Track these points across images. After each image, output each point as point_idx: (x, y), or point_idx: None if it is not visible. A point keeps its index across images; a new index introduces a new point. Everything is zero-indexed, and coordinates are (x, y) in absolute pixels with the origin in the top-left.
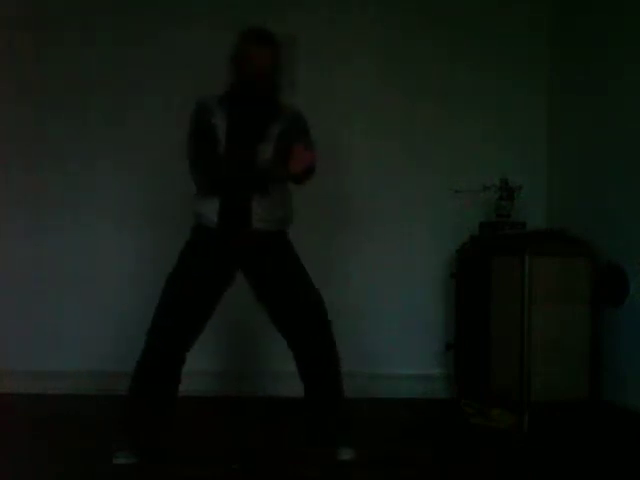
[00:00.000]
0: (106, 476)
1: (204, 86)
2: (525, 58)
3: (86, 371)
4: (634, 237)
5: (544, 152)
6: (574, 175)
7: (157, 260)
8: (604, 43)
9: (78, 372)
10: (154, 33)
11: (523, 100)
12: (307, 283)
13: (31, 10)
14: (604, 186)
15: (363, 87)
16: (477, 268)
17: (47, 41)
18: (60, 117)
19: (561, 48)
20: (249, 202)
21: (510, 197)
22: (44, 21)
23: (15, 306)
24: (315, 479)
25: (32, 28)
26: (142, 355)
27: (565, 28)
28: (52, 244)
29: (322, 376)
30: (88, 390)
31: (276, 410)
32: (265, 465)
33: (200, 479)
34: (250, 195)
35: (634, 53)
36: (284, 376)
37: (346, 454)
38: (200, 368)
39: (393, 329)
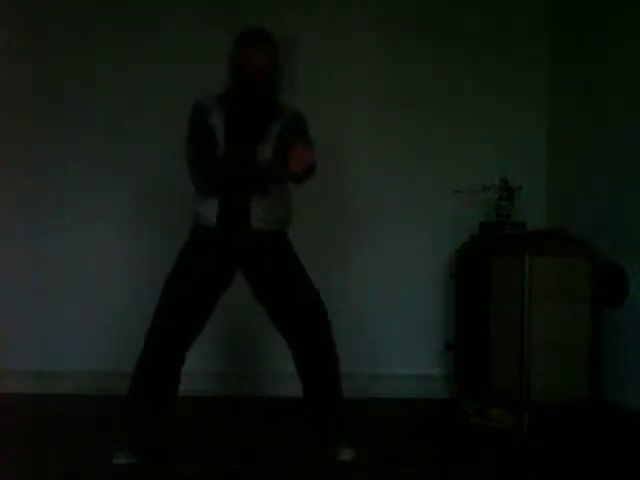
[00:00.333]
0: (106, 476)
1: (204, 86)
2: (525, 58)
3: (86, 371)
4: (634, 237)
5: (544, 152)
6: (574, 175)
7: (157, 260)
8: (604, 43)
9: (78, 372)
10: (154, 33)
11: (523, 100)
12: (307, 283)
13: (31, 10)
14: (604, 186)
15: (363, 87)
16: (477, 268)
17: (47, 41)
18: (60, 117)
19: (561, 48)
20: (248, 202)
21: (510, 197)
22: (44, 21)
23: (15, 306)
24: (315, 479)
25: (32, 28)
26: (142, 355)
27: (565, 28)
28: (52, 244)
29: (321, 376)
30: (88, 390)
31: (276, 410)
32: (265, 465)
33: (200, 479)
34: (250, 195)
35: (634, 53)
36: (284, 376)
37: (346, 454)
38: (200, 368)
39: (393, 329)
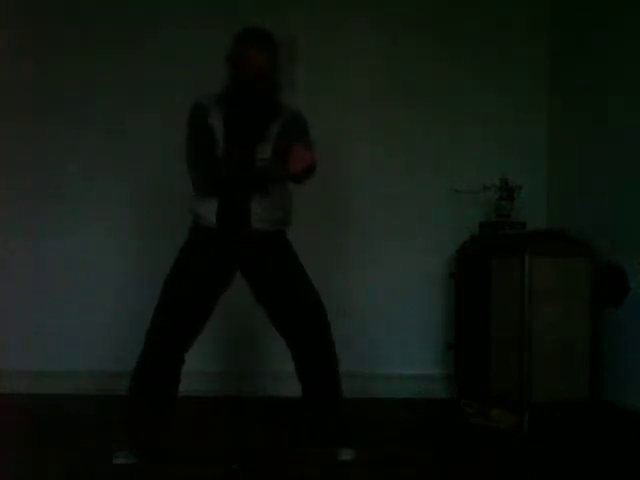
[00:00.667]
0: (106, 476)
1: (204, 86)
2: (525, 58)
3: (86, 371)
4: (634, 237)
5: (544, 152)
6: (574, 175)
7: (157, 260)
8: (604, 43)
9: (78, 372)
10: (154, 33)
11: (523, 100)
12: (306, 283)
13: (31, 10)
14: (604, 186)
15: (363, 87)
16: (477, 268)
17: (47, 41)
18: (60, 117)
19: (561, 48)
20: (248, 202)
21: (510, 197)
22: (44, 21)
23: (15, 306)
24: (315, 479)
25: (32, 28)
26: (142, 355)
27: (565, 28)
28: (52, 244)
29: (321, 376)
30: (88, 390)
31: (276, 410)
32: (265, 465)
33: (200, 479)
34: (249, 195)
35: (634, 53)
36: (284, 376)
37: (346, 454)
38: (200, 368)
39: (393, 329)
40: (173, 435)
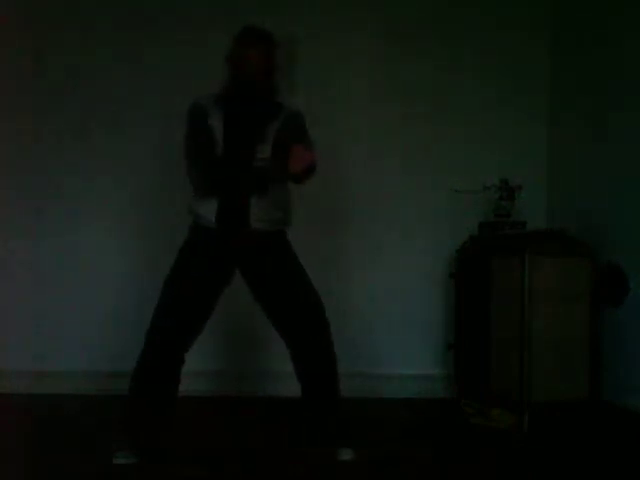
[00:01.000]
0: (106, 476)
1: (204, 86)
2: (525, 58)
3: (86, 371)
4: (634, 237)
5: (544, 152)
6: (574, 175)
7: (157, 260)
8: (604, 43)
9: (78, 372)
10: (154, 33)
11: (523, 100)
12: (306, 283)
13: (31, 10)
14: (604, 186)
15: (363, 87)
16: (477, 268)
17: (47, 41)
18: (60, 117)
19: (561, 48)
20: (248, 202)
21: (510, 197)
22: (44, 21)
23: (15, 306)
24: (315, 479)
25: (32, 28)
26: (142, 355)
27: (565, 28)
28: (52, 244)
29: (320, 376)
30: (88, 390)
31: (276, 410)
32: (265, 465)
33: (200, 479)
34: (249, 195)
35: (634, 53)
36: (284, 376)
37: (346, 454)
38: (200, 368)
39: (393, 329)
40: (173, 435)
